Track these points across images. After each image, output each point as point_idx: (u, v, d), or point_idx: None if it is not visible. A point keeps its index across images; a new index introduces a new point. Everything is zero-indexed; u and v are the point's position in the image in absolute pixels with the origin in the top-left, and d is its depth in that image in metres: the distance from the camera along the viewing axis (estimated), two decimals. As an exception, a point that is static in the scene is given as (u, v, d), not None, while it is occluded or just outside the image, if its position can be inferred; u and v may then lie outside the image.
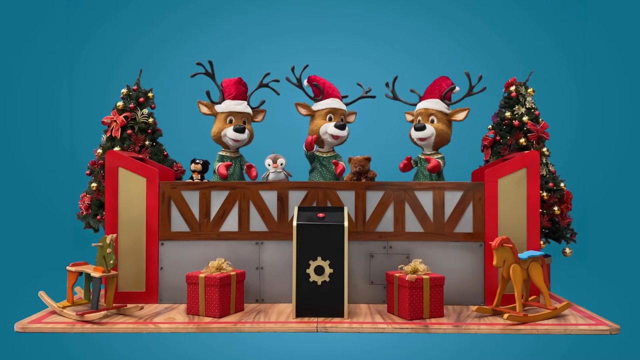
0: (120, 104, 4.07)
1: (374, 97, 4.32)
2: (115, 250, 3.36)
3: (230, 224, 3.72)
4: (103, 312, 3.18)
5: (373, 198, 3.69)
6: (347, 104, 4.26)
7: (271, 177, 3.95)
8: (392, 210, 3.69)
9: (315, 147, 4.18)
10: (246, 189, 3.73)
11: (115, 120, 4.02)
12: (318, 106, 4.16)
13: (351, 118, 4.27)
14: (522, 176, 3.62)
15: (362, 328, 3.09)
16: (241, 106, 4.16)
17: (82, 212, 4.03)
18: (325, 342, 2.96)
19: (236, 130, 4.05)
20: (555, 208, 3.96)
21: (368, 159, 3.83)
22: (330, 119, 4.10)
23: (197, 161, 3.86)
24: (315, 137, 4.04)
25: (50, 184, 6.34)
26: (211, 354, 2.79)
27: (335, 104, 4.15)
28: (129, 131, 4.02)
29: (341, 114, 4.15)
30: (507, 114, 4.08)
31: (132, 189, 3.68)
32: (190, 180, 3.85)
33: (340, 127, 4.03)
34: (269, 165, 3.95)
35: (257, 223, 3.72)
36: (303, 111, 4.21)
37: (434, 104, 4.09)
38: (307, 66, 4.20)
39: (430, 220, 3.67)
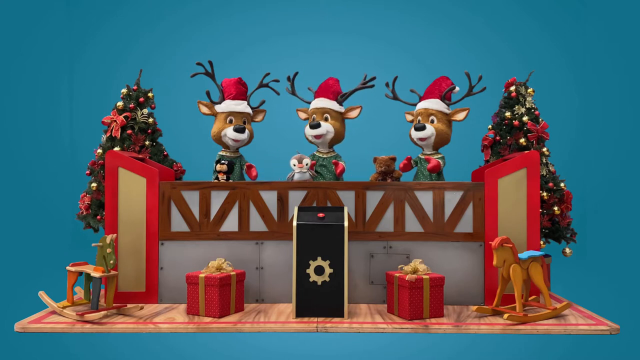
0: (120, 104, 4.07)
1: (372, 86, 4.24)
2: (115, 250, 3.36)
3: (230, 224, 3.72)
4: (103, 312, 3.18)
5: (373, 198, 3.69)
6: (345, 98, 4.22)
7: (296, 177, 3.92)
8: (392, 210, 3.69)
9: (315, 147, 4.20)
10: (246, 189, 3.73)
11: (115, 120, 4.02)
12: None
13: (354, 113, 4.22)
14: (522, 176, 3.62)
15: (362, 328, 3.09)
16: (241, 106, 4.16)
17: (82, 212, 4.03)
18: (325, 342, 2.96)
19: (236, 130, 4.05)
20: (555, 208, 3.96)
21: (393, 159, 3.84)
22: (314, 119, 4.12)
23: (223, 162, 3.85)
24: (314, 162, 4.06)
25: (50, 184, 6.33)
26: (211, 354, 2.79)
27: (316, 103, 4.15)
28: (129, 131, 4.02)
29: (323, 112, 4.11)
30: (507, 114, 4.08)
31: (132, 189, 3.68)
32: (216, 181, 3.84)
33: (313, 126, 4.05)
34: (294, 165, 3.91)
35: (257, 223, 3.72)
36: (302, 115, 4.33)
37: (434, 104, 4.10)
38: (297, 73, 4.27)
39: (430, 220, 3.67)
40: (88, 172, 4.08)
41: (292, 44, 6.49)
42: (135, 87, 4.16)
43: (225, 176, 3.86)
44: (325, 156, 4.15)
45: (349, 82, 4.36)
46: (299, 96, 4.32)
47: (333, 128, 4.07)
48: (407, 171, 4.16)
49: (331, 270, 3.31)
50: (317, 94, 4.21)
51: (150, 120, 4.13)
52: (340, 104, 4.19)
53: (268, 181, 3.77)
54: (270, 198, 3.72)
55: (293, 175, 3.94)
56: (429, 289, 3.26)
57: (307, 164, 3.90)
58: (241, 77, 4.24)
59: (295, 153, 3.97)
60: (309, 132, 4.09)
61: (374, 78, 4.18)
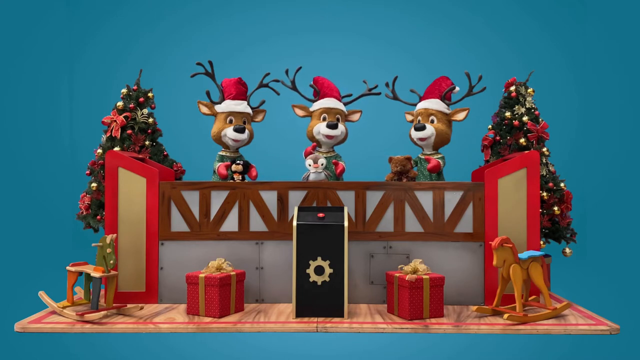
0: (120, 104, 4.07)
1: (379, 93, 4.31)
2: (115, 250, 3.35)
3: (230, 224, 3.72)
4: (103, 312, 3.18)
5: (373, 198, 3.69)
6: (350, 102, 4.26)
7: (312, 177, 3.88)
8: (392, 210, 3.69)
9: (316, 147, 4.19)
10: (246, 189, 3.73)
11: (115, 120, 4.02)
12: (314, 107, 4.19)
13: (355, 117, 4.26)
14: (522, 176, 3.62)
15: (362, 328, 3.09)
16: (241, 106, 4.16)
17: (82, 212, 4.03)
18: (325, 342, 2.96)
19: (236, 130, 4.05)
20: (555, 208, 3.96)
21: (409, 159, 3.82)
22: (324, 119, 4.11)
23: (238, 162, 3.85)
24: (314, 145, 4.04)
25: (50, 184, 6.33)
26: (211, 354, 2.79)
27: (329, 103, 4.15)
28: (129, 131, 4.02)
29: (336, 113, 4.14)
30: (507, 114, 4.08)
31: (132, 189, 3.68)
32: (232, 181, 3.84)
33: (332, 126, 4.03)
34: (310, 165, 3.89)
35: (257, 223, 3.72)
36: (300, 112, 4.26)
37: (434, 104, 4.10)
38: (300, 68, 4.22)
39: (430, 220, 3.67)
40: (88, 172, 4.08)
41: (292, 44, 6.49)
42: (135, 87, 4.16)
43: (240, 176, 3.86)
44: (325, 156, 4.14)
45: (349, 82, 4.37)
46: (300, 92, 4.30)
47: (344, 130, 4.10)
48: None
49: (331, 270, 3.31)
50: (325, 94, 4.19)
51: (150, 120, 4.13)
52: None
53: (268, 181, 3.76)
54: (270, 198, 3.72)
55: (308, 176, 3.90)
56: (429, 289, 3.26)
57: (322, 164, 3.88)
58: (241, 77, 4.24)
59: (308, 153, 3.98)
60: (326, 131, 4.05)
61: (376, 86, 4.29)
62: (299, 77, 4.31)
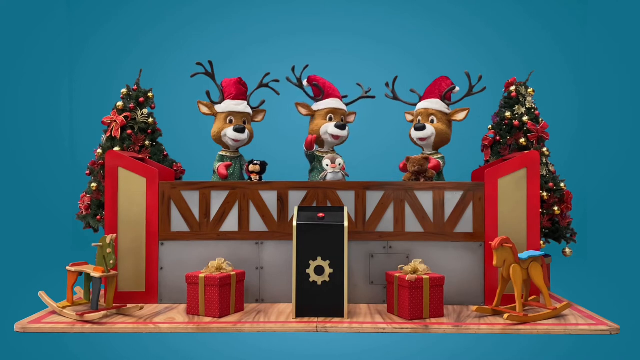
0: (120, 104, 4.07)
1: (373, 97, 4.34)
2: (115, 250, 3.36)
3: (230, 224, 3.72)
4: (103, 312, 3.18)
5: (373, 198, 3.69)
6: (346, 104, 4.27)
7: (329, 177, 3.88)
8: (392, 210, 3.69)
9: (315, 146, 4.18)
10: (246, 189, 3.73)
11: (115, 120, 4.02)
12: (318, 106, 4.18)
13: (351, 118, 4.29)
14: (522, 176, 3.62)
15: (362, 328, 3.09)
16: (241, 106, 4.16)
17: (82, 212, 4.03)
18: (325, 342, 2.96)
19: (236, 130, 4.05)
20: (555, 208, 3.96)
21: (426, 159, 3.82)
22: (330, 119, 4.11)
23: (255, 162, 3.84)
24: (315, 136, 4.05)
25: (50, 184, 6.34)
26: (211, 354, 2.79)
27: (335, 104, 4.16)
28: (129, 131, 4.02)
29: (341, 114, 4.16)
30: (507, 114, 4.08)
31: (132, 189, 3.68)
32: (249, 181, 3.84)
33: (341, 127, 4.05)
34: (327, 165, 3.89)
35: (257, 223, 3.72)
36: (303, 111, 4.23)
37: (434, 104, 4.10)
38: (307, 66, 4.21)
39: (430, 220, 3.67)
40: (88, 172, 4.08)
41: (292, 44, 6.49)
42: (135, 87, 4.16)
43: (258, 176, 3.85)
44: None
45: (349, 83, 4.37)
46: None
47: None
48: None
49: (331, 270, 3.31)
50: (329, 94, 4.19)
51: (150, 120, 4.13)
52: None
53: (268, 181, 3.76)
54: (270, 198, 3.72)
55: (326, 176, 3.90)
56: (429, 289, 3.26)
57: (339, 164, 3.88)
58: (241, 77, 4.24)
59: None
60: (334, 131, 4.04)
61: (369, 89, 4.31)
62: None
